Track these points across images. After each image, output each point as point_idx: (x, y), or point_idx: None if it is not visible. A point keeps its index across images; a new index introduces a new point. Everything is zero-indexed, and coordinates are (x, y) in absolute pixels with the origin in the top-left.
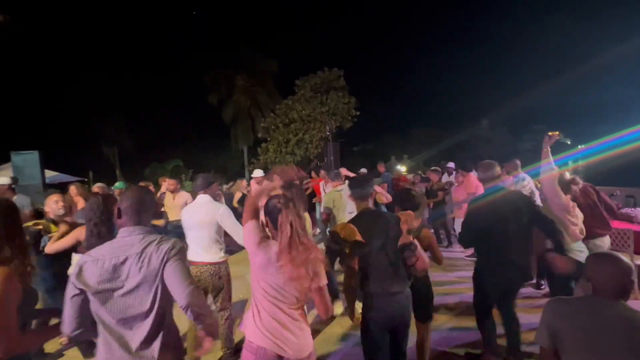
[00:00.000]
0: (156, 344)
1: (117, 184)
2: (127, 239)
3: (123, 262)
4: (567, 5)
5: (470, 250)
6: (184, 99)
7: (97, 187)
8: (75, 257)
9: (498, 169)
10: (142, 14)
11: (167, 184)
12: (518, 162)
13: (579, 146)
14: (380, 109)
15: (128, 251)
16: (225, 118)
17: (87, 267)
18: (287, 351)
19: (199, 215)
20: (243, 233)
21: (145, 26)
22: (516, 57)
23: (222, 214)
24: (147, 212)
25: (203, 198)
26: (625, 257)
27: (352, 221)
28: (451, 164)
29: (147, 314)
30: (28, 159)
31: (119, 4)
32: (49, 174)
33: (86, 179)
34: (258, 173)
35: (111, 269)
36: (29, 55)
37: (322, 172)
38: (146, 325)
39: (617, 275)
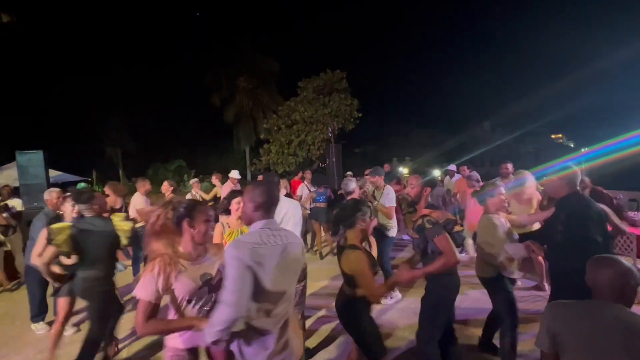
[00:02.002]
0: None
1: (80, 184)
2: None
3: None
4: (570, 8)
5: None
6: (186, 101)
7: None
8: None
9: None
10: (145, 17)
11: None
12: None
13: (582, 149)
14: (382, 110)
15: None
16: (227, 119)
17: None
18: None
19: (281, 211)
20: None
21: (148, 28)
22: (519, 59)
23: (296, 208)
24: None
25: None
26: (625, 260)
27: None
28: (452, 167)
29: None
30: (33, 159)
31: (123, 8)
32: (53, 173)
33: (90, 179)
34: (235, 174)
35: None
36: (34, 57)
37: (306, 173)
38: None
39: (616, 278)
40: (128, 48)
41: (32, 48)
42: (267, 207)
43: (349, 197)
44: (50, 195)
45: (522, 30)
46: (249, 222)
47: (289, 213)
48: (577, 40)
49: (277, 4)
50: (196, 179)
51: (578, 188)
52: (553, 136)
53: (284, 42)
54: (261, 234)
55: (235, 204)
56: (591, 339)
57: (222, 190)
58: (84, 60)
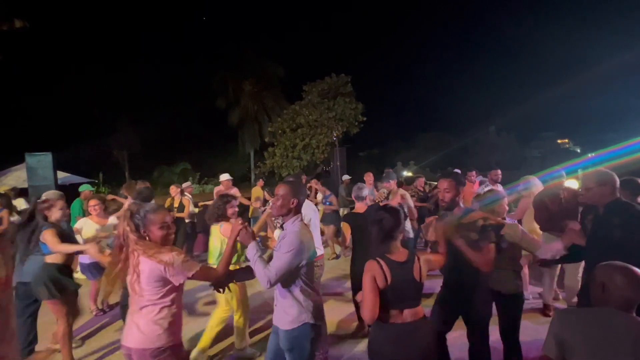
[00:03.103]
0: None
1: (83, 185)
2: None
3: None
4: (577, 12)
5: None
6: (192, 104)
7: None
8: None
9: None
10: (152, 20)
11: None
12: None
13: (589, 154)
14: (387, 114)
15: None
16: (231, 122)
17: None
18: None
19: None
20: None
21: (155, 32)
22: (525, 63)
23: (316, 213)
24: None
25: None
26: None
27: None
28: (457, 172)
29: None
30: (42, 161)
31: (130, 11)
32: (61, 175)
33: (97, 181)
34: (225, 177)
35: None
36: (42, 59)
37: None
38: None
39: (628, 287)
40: (135, 51)
41: (42, 51)
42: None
43: (359, 203)
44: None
45: (528, 34)
46: (284, 215)
47: (312, 219)
48: (584, 45)
49: (283, 8)
50: (174, 185)
51: (618, 194)
52: (559, 141)
53: (289, 46)
54: (305, 227)
55: (231, 208)
56: (600, 346)
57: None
58: (92, 63)
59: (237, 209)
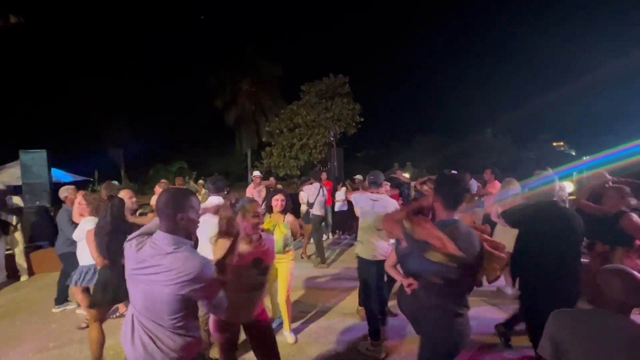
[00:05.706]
0: None
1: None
2: None
3: None
4: (572, 16)
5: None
6: (189, 102)
7: None
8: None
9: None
10: (149, 19)
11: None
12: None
13: (584, 157)
14: (384, 115)
15: None
16: (228, 122)
17: None
18: None
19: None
20: None
21: (152, 30)
22: (522, 66)
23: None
24: None
25: (216, 199)
26: (636, 273)
27: None
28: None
29: None
30: (36, 158)
31: (127, 9)
32: (56, 172)
33: (92, 179)
34: (256, 173)
35: None
36: (39, 57)
37: (324, 175)
38: None
39: (622, 291)
40: (132, 50)
41: (37, 48)
42: None
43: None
44: (69, 192)
45: (525, 38)
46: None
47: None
48: (580, 48)
49: (281, 8)
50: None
51: (555, 198)
52: (555, 144)
53: (287, 46)
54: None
55: (275, 200)
56: (595, 348)
57: (247, 191)
58: (88, 61)
59: (282, 203)
